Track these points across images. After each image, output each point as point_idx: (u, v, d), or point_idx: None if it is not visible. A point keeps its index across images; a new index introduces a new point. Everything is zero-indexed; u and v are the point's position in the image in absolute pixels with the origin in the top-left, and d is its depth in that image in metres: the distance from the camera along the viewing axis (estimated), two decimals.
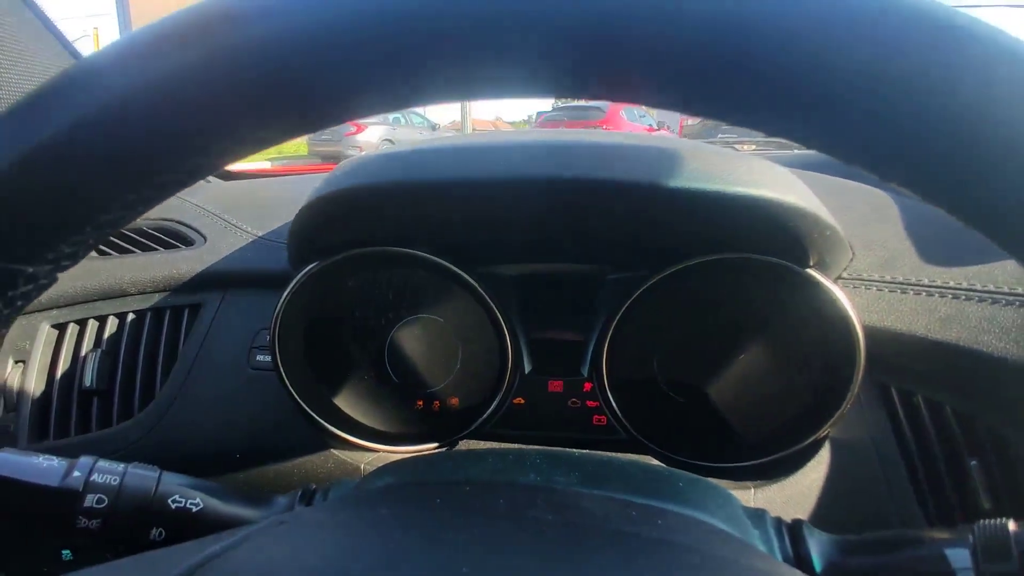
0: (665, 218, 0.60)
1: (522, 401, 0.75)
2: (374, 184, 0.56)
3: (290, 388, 0.66)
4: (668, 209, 0.56)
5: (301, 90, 0.21)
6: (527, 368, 0.74)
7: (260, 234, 0.80)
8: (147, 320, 0.75)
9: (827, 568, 0.39)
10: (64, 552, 0.64)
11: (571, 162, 0.55)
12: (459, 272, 0.69)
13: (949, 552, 0.36)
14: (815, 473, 0.61)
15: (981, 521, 0.36)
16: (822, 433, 0.60)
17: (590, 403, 0.75)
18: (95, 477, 0.43)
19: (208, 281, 0.75)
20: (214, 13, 0.21)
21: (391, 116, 13.68)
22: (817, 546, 0.41)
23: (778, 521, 0.43)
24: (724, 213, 0.54)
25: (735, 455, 0.66)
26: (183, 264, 0.76)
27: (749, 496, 0.61)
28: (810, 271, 0.60)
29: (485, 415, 0.72)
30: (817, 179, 0.74)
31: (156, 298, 0.75)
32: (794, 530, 0.42)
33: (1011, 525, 0.35)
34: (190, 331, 0.74)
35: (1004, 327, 0.57)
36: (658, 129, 13.58)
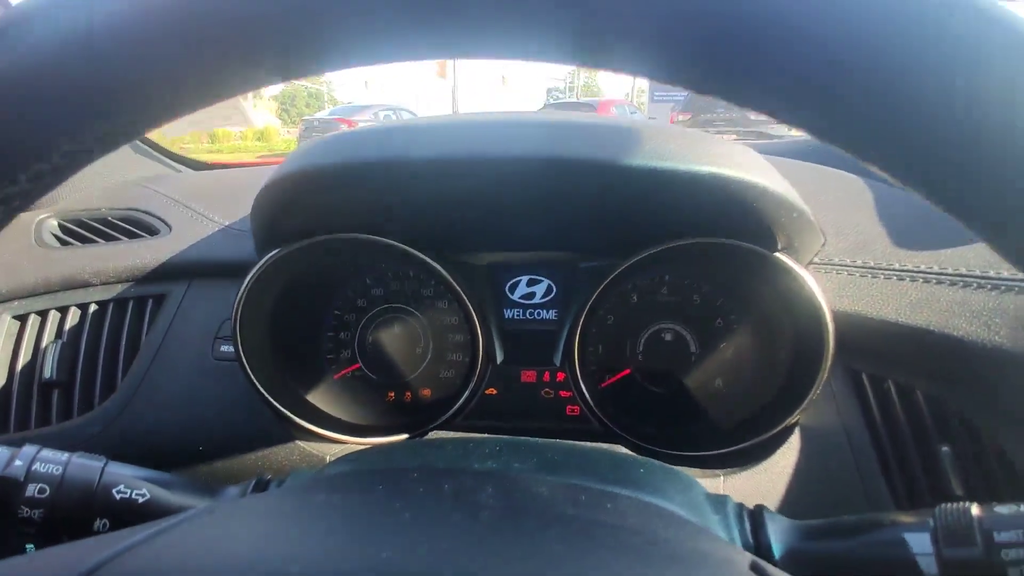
0: (632, 200, 0.58)
1: (494, 392, 0.74)
2: (337, 163, 0.55)
3: (252, 377, 0.65)
4: (633, 188, 0.55)
5: (281, 33, 0.19)
6: (499, 358, 0.73)
7: (228, 223, 0.78)
8: (110, 311, 0.73)
9: (786, 553, 0.39)
10: (28, 546, 0.63)
11: (534, 140, 0.53)
12: (429, 261, 0.68)
13: (909, 536, 0.35)
14: (785, 460, 0.60)
15: (942, 505, 0.35)
16: (792, 420, 0.60)
17: (563, 393, 0.74)
18: (37, 466, 0.42)
19: (173, 271, 0.74)
20: None
21: (381, 113, 13.62)
22: (777, 531, 0.40)
23: (740, 507, 0.42)
24: (689, 193, 0.53)
25: (706, 443, 0.65)
26: (147, 254, 0.74)
27: (718, 484, 0.60)
28: (778, 255, 0.59)
29: (456, 406, 0.71)
30: (791, 165, 0.73)
31: (119, 288, 0.74)
32: (755, 516, 0.41)
33: (974, 509, 0.34)
34: (153, 322, 0.72)
35: (975, 310, 0.56)
36: None
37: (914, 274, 0.60)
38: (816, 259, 0.63)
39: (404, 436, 0.71)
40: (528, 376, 0.75)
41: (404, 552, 0.24)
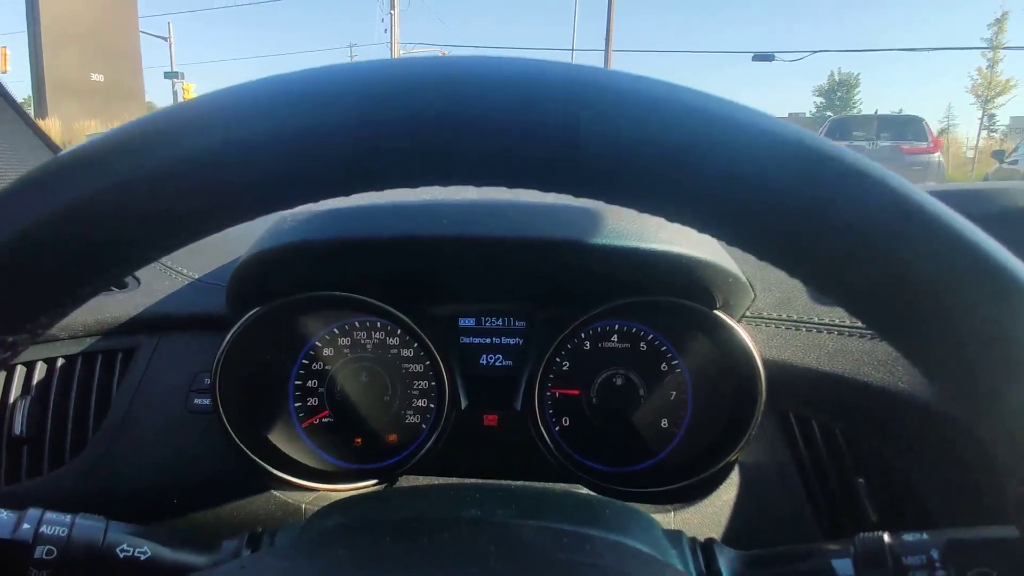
0: (587, 267, 0.66)
1: (459, 435, 0.78)
2: (316, 240, 0.60)
3: (230, 431, 0.67)
4: (589, 260, 0.63)
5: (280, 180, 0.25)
6: (463, 404, 0.77)
7: (197, 276, 0.80)
8: (78, 365, 0.74)
9: None
10: None
11: (497, 222, 0.60)
12: (396, 313, 0.72)
13: (835, 563, 0.43)
14: (726, 495, 0.67)
15: (861, 535, 0.42)
16: (732, 458, 0.67)
17: (524, 435, 0.79)
18: (44, 529, 0.44)
19: (143, 324, 0.75)
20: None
21: None
22: (726, 562, 0.46)
23: (693, 541, 0.48)
24: (639, 264, 0.61)
25: (656, 480, 0.71)
26: (116, 307, 0.75)
27: (669, 518, 0.66)
28: (716, 312, 0.67)
29: (423, 451, 0.75)
30: None
31: (88, 342, 0.75)
32: (706, 548, 0.48)
33: (886, 537, 0.41)
34: (124, 375, 0.73)
35: (880, 359, 0.65)
36: None
37: (830, 327, 0.69)
38: (748, 313, 0.71)
39: (374, 481, 0.74)
40: (490, 420, 0.80)
41: None
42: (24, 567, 0.42)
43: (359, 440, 0.79)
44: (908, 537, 0.41)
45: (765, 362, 0.66)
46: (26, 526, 0.43)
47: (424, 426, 0.79)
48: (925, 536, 0.40)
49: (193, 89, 27.23)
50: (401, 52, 26.99)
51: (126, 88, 20.78)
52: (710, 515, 0.67)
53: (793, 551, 0.45)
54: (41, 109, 17.81)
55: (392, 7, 26.04)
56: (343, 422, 0.79)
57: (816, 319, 0.70)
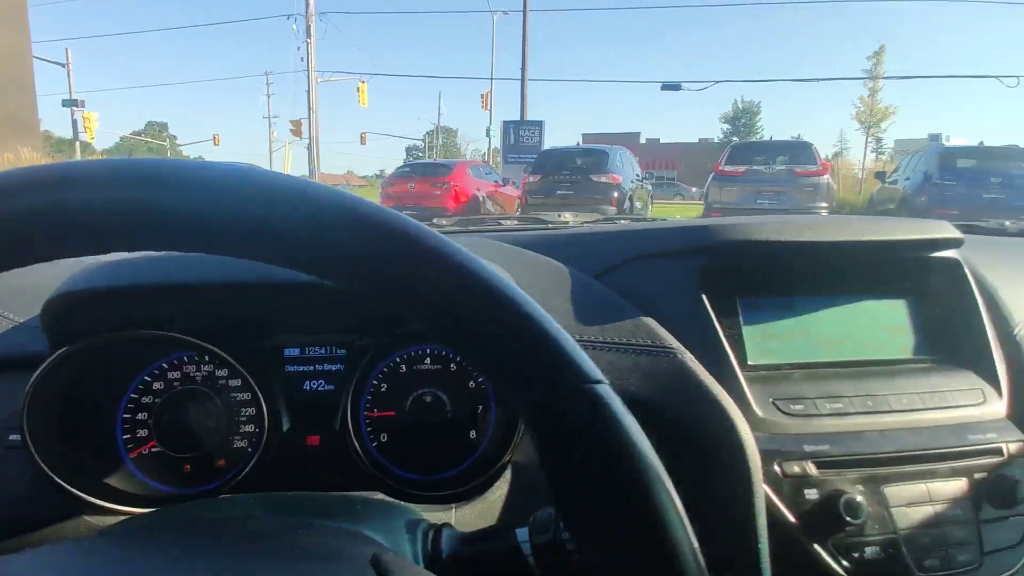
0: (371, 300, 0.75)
1: (283, 456, 0.85)
2: (107, 287, 0.67)
3: (40, 463, 0.72)
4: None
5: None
6: (286, 427, 0.84)
7: (21, 320, 0.84)
8: None
9: (450, 555, 0.55)
10: None
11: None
12: (216, 350, 0.79)
13: (518, 531, 0.53)
14: (500, 491, 0.77)
15: (540, 510, 0.53)
16: (504, 460, 0.77)
17: (344, 452, 0.87)
18: None
19: None
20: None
21: None
22: (447, 541, 0.56)
23: (429, 526, 0.58)
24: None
25: (453, 484, 0.81)
26: None
27: (450, 515, 0.76)
28: None
29: (245, 472, 0.81)
30: (519, 254, 0.93)
31: None
32: (437, 532, 0.57)
33: (552, 510, 0.52)
34: None
35: (645, 371, 0.76)
36: (503, 185, 14.37)
37: (597, 344, 0.80)
38: None
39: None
40: (313, 440, 0.87)
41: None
42: None
43: (188, 466, 0.85)
44: None
45: None
46: None
47: (251, 449, 0.85)
48: None
49: (95, 118, 26.00)
50: (318, 80, 26.78)
51: (19, 118, 19.49)
52: (484, 510, 0.76)
53: (496, 527, 0.56)
54: None
55: (308, 35, 25.89)
56: (172, 450, 0.84)
57: (588, 338, 0.81)
